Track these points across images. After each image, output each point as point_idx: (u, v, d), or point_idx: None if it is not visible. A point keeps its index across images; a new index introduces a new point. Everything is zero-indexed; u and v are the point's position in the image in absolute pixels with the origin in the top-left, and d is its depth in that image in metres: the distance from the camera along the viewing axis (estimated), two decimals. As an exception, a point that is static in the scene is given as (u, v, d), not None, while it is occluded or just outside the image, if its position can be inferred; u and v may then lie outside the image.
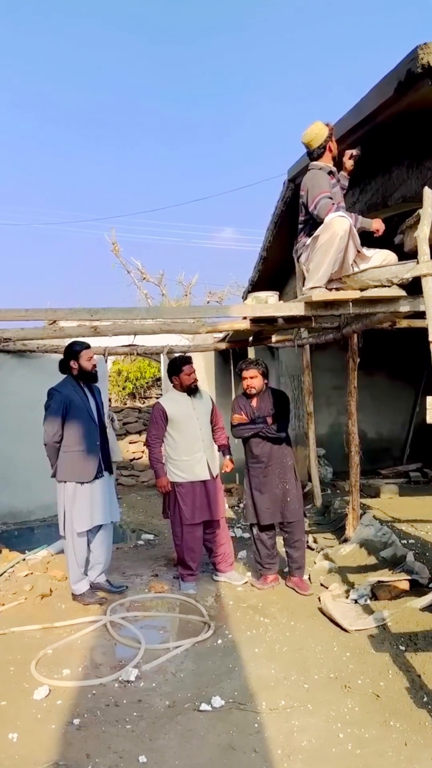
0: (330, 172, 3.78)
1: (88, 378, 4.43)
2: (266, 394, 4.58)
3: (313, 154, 3.81)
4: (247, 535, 5.79)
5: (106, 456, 4.46)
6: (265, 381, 4.56)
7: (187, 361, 4.69)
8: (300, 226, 3.88)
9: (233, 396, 8.49)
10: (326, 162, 3.81)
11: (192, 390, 4.67)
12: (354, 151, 3.85)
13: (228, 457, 4.86)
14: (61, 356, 4.50)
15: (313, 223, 3.69)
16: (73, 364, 4.36)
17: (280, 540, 4.67)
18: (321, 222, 3.58)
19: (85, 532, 4.31)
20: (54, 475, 4.33)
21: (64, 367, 4.42)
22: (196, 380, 4.70)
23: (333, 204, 3.57)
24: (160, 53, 55.93)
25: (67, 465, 4.25)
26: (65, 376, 4.42)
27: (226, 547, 4.75)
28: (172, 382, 4.74)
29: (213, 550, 4.72)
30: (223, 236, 39.22)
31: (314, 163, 3.82)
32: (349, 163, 3.86)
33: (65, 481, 4.26)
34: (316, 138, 3.75)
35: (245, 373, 4.52)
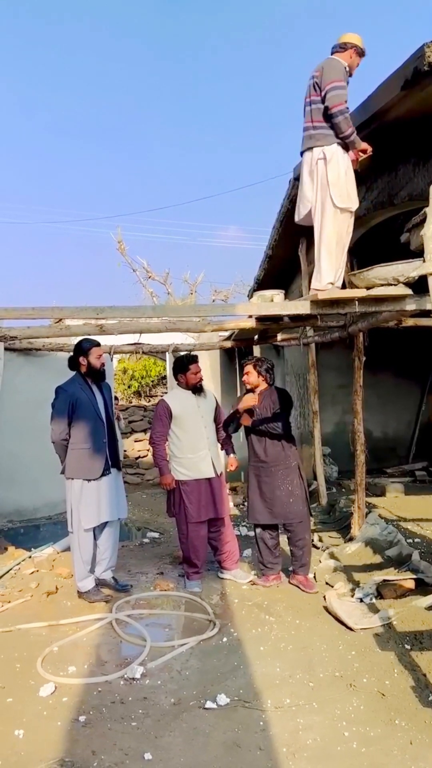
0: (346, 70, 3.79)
1: (96, 376, 4.45)
2: (269, 392, 4.59)
3: (336, 47, 3.82)
4: (252, 533, 5.79)
5: (113, 453, 4.47)
6: (263, 377, 4.57)
7: (195, 359, 4.71)
8: (308, 108, 3.82)
9: (238, 394, 8.49)
10: (345, 59, 3.80)
11: (197, 389, 4.68)
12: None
13: (232, 455, 4.86)
14: (67, 354, 4.52)
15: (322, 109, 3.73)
16: (82, 360, 4.38)
17: (284, 538, 4.67)
18: (327, 109, 3.67)
19: (92, 528, 4.33)
20: (63, 472, 4.36)
21: (73, 363, 4.45)
22: (201, 379, 4.72)
23: (345, 102, 3.63)
24: (165, 51, 55.91)
25: (74, 462, 4.28)
26: (73, 373, 4.45)
27: (231, 545, 4.75)
28: (177, 380, 4.76)
29: (218, 548, 4.72)
30: (228, 234, 39.26)
31: (338, 54, 3.81)
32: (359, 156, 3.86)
33: (72, 478, 4.29)
34: (349, 40, 3.79)
35: (245, 369, 4.64)
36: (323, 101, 3.71)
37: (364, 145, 3.76)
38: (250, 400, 4.50)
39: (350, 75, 3.83)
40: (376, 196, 4.68)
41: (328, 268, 3.81)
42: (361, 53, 3.83)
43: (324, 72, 3.70)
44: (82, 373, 4.41)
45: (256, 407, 4.53)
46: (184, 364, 4.67)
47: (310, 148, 3.80)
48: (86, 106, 51.17)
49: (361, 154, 3.81)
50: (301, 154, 3.93)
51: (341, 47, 3.81)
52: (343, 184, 3.76)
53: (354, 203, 3.84)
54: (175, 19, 54.98)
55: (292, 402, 4.71)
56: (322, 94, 3.70)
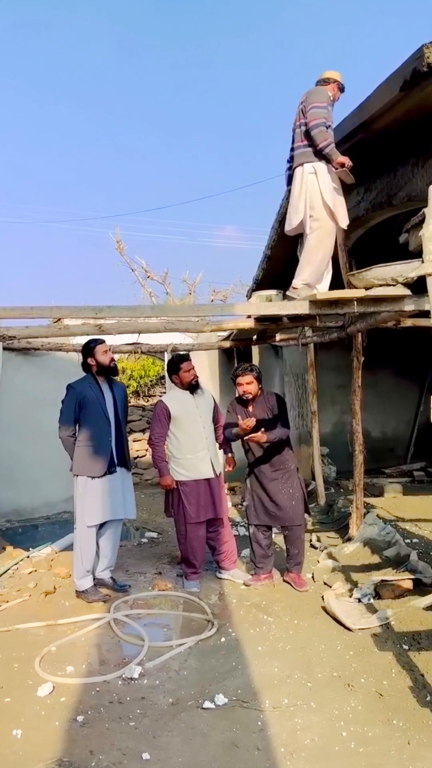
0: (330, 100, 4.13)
1: (108, 372, 4.47)
2: (261, 398, 4.54)
3: (320, 81, 4.18)
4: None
5: (121, 452, 4.47)
6: (260, 386, 4.52)
7: (185, 358, 4.71)
8: (297, 130, 4.11)
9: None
10: (329, 91, 4.13)
11: (193, 387, 4.68)
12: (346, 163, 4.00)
13: (229, 455, 4.86)
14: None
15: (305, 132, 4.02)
16: (91, 361, 4.43)
17: (279, 538, 4.67)
18: (308, 130, 3.96)
19: (95, 526, 4.34)
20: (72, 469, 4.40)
21: (85, 367, 4.49)
22: (196, 376, 4.71)
23: (323, 119, 3.91)
24: (165, 50, 55.89)
25: (79, 459, 4.33)
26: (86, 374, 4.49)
27: (229, 545, 4.76)
28: (172, 381, 4.76)
29: (216, 548, 4.73)
30: (227, 234, 39.23)
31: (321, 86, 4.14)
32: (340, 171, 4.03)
33: (77, 475, 4.34)
34: (330, 76, 4.18)
35: (240, 379, 4.43)
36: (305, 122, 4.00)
37: (342, 158, 3.93)
38: (249, 422, 4.18)
39: (331, 105, 4.14)
40: (375, 196, 4.68)
41: (307, 270, 4.11)
42: (341, 88, 4.21)
43: (308, 97, 4.05)
44: (94, 373, 4.44)
45: (251, 414, 4.43)
46: (175, 364, 4.68)
47: (301, 164, 4.04)
48: (86, 106, 51.15)
49: (339, 167, 3.96)
50: (292, 171, 4.14)
51: (324, 81, 4.17)
52: (330, 198, 3.98)
53: (341, 220, 4.07)
54: (180, 16, 55.00)
55: (286, 406, 4.68)
56: (306, 114, 3.98)
